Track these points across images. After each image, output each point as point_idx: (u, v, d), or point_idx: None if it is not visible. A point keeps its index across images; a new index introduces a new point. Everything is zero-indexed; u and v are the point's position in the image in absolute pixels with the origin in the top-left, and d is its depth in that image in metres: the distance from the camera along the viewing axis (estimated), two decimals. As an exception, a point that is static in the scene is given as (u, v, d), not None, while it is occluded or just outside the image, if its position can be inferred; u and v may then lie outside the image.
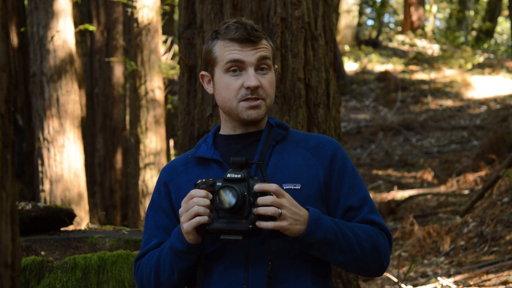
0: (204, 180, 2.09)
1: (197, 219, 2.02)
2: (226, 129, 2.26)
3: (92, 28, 9.55)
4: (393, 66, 18.59)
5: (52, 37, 7.77)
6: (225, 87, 2.18)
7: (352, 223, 2.15)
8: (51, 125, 7.76)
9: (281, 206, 1.99)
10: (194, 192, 2.04)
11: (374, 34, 24.83)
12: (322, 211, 2.16)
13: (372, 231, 2.13)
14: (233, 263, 2.09)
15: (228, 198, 2.00)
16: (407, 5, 22.46)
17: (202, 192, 2.04)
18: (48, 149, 7.75)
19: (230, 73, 2.17)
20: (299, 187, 2.13)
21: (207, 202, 2.03)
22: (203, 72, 2.26)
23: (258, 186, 2.00)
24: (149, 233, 2.25)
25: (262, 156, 2.18)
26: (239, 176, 2.02)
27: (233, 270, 2.09)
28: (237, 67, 2.16)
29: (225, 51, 2.16)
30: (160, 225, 2.23)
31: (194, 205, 2.02)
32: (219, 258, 2.11)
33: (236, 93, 2.16)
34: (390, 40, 22.79)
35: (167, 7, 10.19)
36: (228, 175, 2.03)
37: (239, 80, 2.16)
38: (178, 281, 2.15)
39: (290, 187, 2.13)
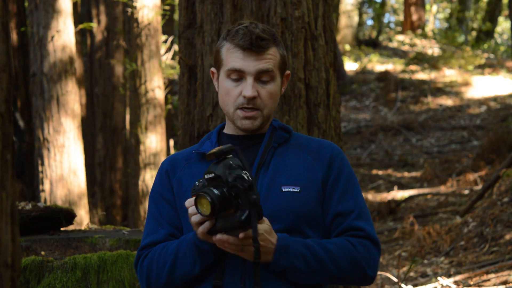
0: (195, 184, 2.07)
1: (200, 229, 2.03)
2: (229, 129, 2.28)
3: (92, 25, 9.54)
4: (393, 66, 18.59)
5: (52, 37, 7.77)
6: (225, 92, 2.19)
7: (328, 240, 2.13)
8: (51, 125, 7.75)
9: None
10: (187, 203, 2.06)
11: (374, 34, 24.84)
12: (318, 214, 2.17)
13: (349, 245, 2.11)
14: (230, 263, 2.10)
15: (204, 207, 1.99)
16: (407, 5, 22.46)
17: (192, 202, 2.04)
18: (48, 149, 7.75)
19: (231, 79, 2.17)
20: (298, 190, 2.14)
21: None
22: (212, 69, 2.28)
23: (241, 235, 1.99)
24: (154, 223, 2.22)
25: (264, 158, 2.18)
26: (212, 175, 2.01)
27: (230, 270, 2.10)
28: (237, 75, 2.16)
29: (229, 56, 2.16)
30: (165, 216, 2.22)
31: (191, 217, 2.04)
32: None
33: (234, 99, 2.17)
34: (390, 40, 22.79)
35: (167, 7, 10.19)
36: (205, 176, 2.03)
37: (238, 88, 2.16)
38: (198, 273, 2.13)
39: (289, 189, 2.13)
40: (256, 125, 2.18)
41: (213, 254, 2.09)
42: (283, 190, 2.13)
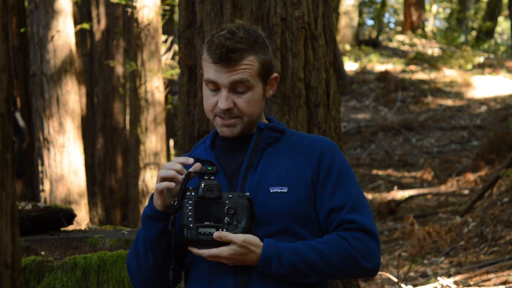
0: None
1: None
2: None
3: (87, 26, 9.53)
4: (393, 66, 18.60)
5: (52, 37, 7.77)
6: (205, 99, 2.19)
7: (320, 239, 2.11)
8: (51, 125, 7.76)
9: (218, 257, 2.04)
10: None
11: (374, 34, 24.85)
12: (311, 213, 2.15)
13: (341, 241, 2.08)
14: (223, 269, 2.09)
15: None
16: (407, 5, 22.47)
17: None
18: (48, 149, 7.75)
19: (208, 88, 2.17)
20: (285, 190, 2.11)
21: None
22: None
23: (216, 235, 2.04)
24: None
25: (251, 160, 2.17)
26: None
27: (223, 275, 2.09)
28: (213, 86, 2.15)
29: (205, 66, 2.16)
30: None
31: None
32: (209, 264, 2.11)
33: (212, 108, 2.16)
34: (390, 40, 22.79)
35: (167, 7, 10.19)
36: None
37: (215, 97, 2.15)
38: (153, 263, 2.15)
39: (277, 190, 2.11)
40: (236, 132, 2.17)
41: (154, 225, 2.12)
42: (271, 191, 2.11)
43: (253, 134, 2.22)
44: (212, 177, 2.08)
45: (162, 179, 2.07)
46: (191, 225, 2.03)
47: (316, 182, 2.15)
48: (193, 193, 2.06)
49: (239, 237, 2.02)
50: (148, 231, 2.13)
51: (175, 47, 10.98)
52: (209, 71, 2.14)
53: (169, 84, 11.47)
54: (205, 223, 2.04)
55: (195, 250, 2.04)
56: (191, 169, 2.09)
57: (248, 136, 2.22)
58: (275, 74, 2.24)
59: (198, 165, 2.09)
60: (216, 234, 2.02)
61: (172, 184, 2.06)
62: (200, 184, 2.06)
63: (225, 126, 2.16)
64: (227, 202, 2.06)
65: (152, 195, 2.14)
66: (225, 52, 2.09)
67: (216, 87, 2.14)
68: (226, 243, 2.02)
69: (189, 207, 2.04)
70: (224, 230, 2.04)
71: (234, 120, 2.15)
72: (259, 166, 2.16)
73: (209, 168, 2.08)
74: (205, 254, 2.03)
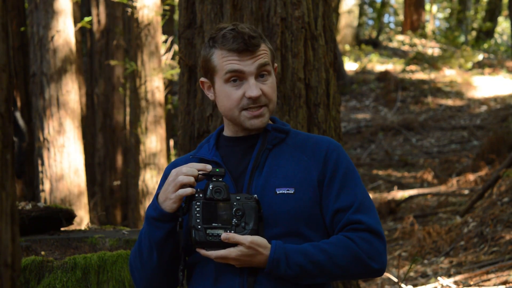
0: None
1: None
2: (228, 131, 2.26)
3: (88, 19, 9.51)
4: (393, 66, 18.59)
5: (52, 37, 7.77)
6: (227, 97, 2.17)
7: (326, 240, 2.11)
8: (51, 125, 7.75)
9: (226, 259, 2.04)
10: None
11: (374, 34, 24.85)
12: (317, 214, 2.15)
13: (348, 242, 2.08)
14: (229, 269, 2.09)
15: None
16: (407, 5, 22.47)
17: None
18: (48, 149, 7.74)
19: (230, 83, 2.16)
20: (292, 192, 2.12)
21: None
22: (202, 79, 2.25)
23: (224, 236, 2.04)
24: None
25: (257, 161, 2.17)
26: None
27: (230, 276, 2.09)
28: (237, 77, 2.15)
29: (223, 61, 2.15)
30: None
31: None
32: (215, 264, 2.11)
33: (237, 102, 2.15)
34: (390, 40, 22.79)
35: (167, 7, 10.19)
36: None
37: (240, 90, 2.15)
38: (158, 262, 2.13)
39: (284, 191, 2.12)
40: (265, 121, 2.18)
41: (161, 226, 2.09)
42: (278, 192, 2.12)
43: (259, 135, 2.22)
44: (220, 179, 2.08)
45: (183, 185, 2.05)
46: (199, 227, 2.03)
47: (322, 182, 2.16)
48: (201, 195, 2.06)
49: (247, 239, 2.02)
50: (154, 232, 2.11)
51: (175, 47, 10.98)
52: (231, 62, 2.14)
53: (169, 84, 11.47)
54: (213, 224, 2.04)
55: (203, 252, 2.05)
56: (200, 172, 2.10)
57: (253, 137, 2.22)
58: (275, 64, 2.28)
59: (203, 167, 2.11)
60: (224, 235, 2.02)
61: (194, 191, 2.06)
62: (208, 186, 2.06)
63: (255, 117, 2.16)
64: (235, 203, 2.06)
65: (156, 196, 2.12)
66: (248, 39, 2.12)
67: (240, 77, 2.15)
68: (234, 244, 2.02)
69: (197, 209, 2.04)
70: (232, 231, 2.04)
71: (262, 109, 2.17)
72: (265, 167, 2.17)
73: (217, 170, 2.08)
74: (213, 255, 2.03)
